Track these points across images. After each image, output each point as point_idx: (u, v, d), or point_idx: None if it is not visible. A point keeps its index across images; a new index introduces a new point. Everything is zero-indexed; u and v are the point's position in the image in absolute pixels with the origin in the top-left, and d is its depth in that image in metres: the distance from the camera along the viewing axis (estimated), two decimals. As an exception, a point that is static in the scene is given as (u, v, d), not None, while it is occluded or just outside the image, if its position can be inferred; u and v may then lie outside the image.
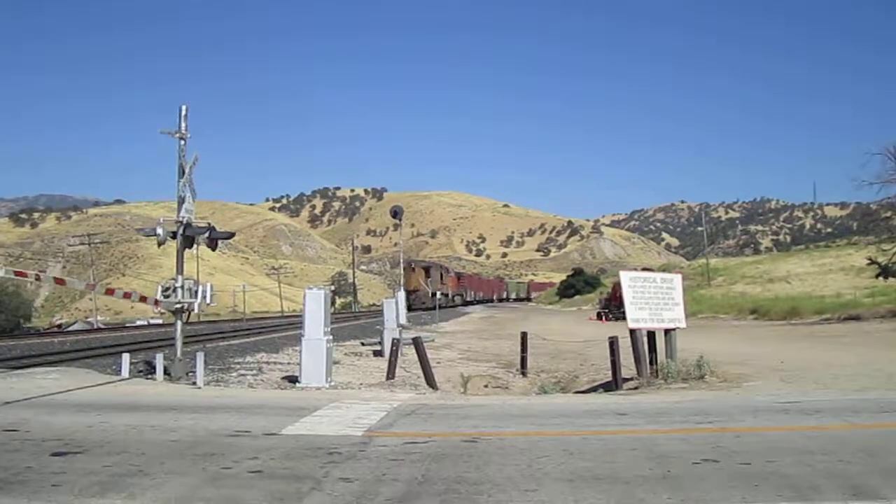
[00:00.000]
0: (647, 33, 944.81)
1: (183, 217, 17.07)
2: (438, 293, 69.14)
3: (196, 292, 17.23)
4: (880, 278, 44.13)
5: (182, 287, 17.10)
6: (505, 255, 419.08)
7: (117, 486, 6.79)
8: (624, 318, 17.65)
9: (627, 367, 17.28)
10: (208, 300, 17.80)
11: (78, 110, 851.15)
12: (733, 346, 26.80)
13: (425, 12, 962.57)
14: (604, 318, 59.09)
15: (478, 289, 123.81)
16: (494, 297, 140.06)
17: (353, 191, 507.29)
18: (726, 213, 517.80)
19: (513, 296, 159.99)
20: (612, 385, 17.06)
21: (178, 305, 17.10)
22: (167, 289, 17.13)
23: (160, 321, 69.92)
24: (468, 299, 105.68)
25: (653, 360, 17.31)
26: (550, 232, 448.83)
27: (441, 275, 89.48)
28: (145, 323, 68.94)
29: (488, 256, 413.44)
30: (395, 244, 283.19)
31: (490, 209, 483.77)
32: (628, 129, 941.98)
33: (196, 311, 18.19)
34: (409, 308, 53.04)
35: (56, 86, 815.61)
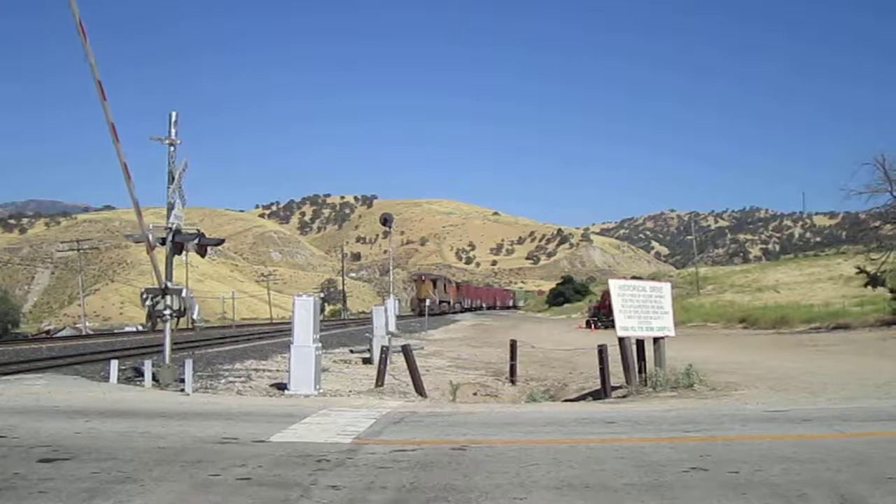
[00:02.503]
0: (638, 40, 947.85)
1: (172, 223, 17.07)
2: (440, 301, 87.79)
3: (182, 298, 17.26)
4: (869, 287, 44.32)
5: (171, 302, 17.11)
6: (495, 262, 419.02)
7: (105, 493, 6.77)
8: (613, 327, 17.66)
9: (616, 376, 17.28)
10: (195, 315, 17.82)
11: (67, 115, 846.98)
12: (722, 354, 26.87)
13: (416, 19, 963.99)
14: (593, 326, 59.21)
15: (475, 297, 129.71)
16: (498, 305, 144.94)
17: (342, 198, 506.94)
18: (716, 221, 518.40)
19: (520, 304, 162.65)
20: (601, 393, 17.06)
21: (167, 313, 17.10)
22: (153, 296, 17.13)
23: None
24: (466, 307, 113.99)
25: (642, 369, 17.33)
26: (540, 240, 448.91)
27: (444, 285, 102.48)
28: (134, 329, 68.69)
29: (478, 264, 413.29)
30: (385, 252, 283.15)
31: (480, 217, 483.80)
32: (618, 137, 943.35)
33: (193, 316, 18.14)
34: (420, 313, 63.59)
35: (45, 91, 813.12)
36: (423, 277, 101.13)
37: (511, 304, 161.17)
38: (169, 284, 17.13)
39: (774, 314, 52.22)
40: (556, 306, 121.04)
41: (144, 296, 17.28)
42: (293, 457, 8.43)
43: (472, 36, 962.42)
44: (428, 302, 71.91)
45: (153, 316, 17.37)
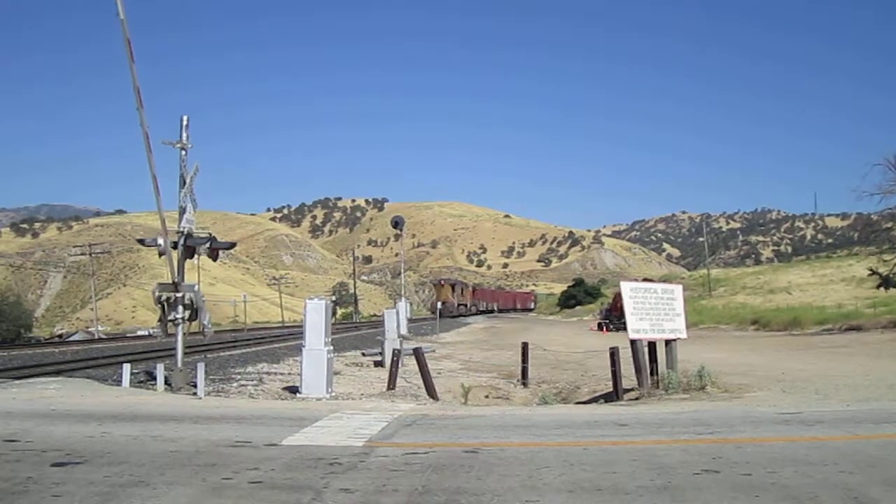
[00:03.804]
0: (649, 42, 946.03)
1: (184, 227, 17.11)
2: (458, 304, 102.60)
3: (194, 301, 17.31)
4: (881, 289, 44.17)
5: (182, 297, 17.15)
6: (506, 265, 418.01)
7: (118, 497, 6.79)
8: (625, 329, 17.65)
9: (628, 378, 17.28)
10: (205, 321, 17.86)
11: (79, 120, 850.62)
12: (734, 356, 26.80)
13: (426, 21, 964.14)
14: (604, 328, 59.15)
15: (491, 300, 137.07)
16: (518, 308, 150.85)
17: (354, 201, 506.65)
18: (727, 223, 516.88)
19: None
20: (613, 396, 17.07)
21: (178, 317, 17.16)
22: (167, 299, 17.18)
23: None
24: (482, 309, 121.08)
25: (654, 371, 17.31)
26: (551, 242, 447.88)
27: (462, 290, 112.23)
28: (146, 333, 68.87)
29: (489, 267, 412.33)
30: (396, 255, 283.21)
31: (491, 219, 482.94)
32: (629, 139, 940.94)
33: (203, 321, 18.15)
34: (441, 315, 66.50)
35: (57, 95, 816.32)
36: (443, 282, 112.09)
37: (533, 306, 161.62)
38: (178, 279, 17.18)
39: (787, 316, 52.09)
40: (568, 309, 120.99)
41: (157, 292, 17.34)
42: (305, 460, 8.44)
43: (482, 39, 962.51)
44: (440, 305, 75.14)
45: (164, 318, 17.40)
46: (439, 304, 75.28)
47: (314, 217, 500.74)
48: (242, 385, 18.21)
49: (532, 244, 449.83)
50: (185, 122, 17.42)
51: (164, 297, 17.16)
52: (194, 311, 17.47)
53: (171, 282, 17.15)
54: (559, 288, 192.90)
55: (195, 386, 16.11)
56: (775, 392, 16.11)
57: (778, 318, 52.00)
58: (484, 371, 26.69)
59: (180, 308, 17.15)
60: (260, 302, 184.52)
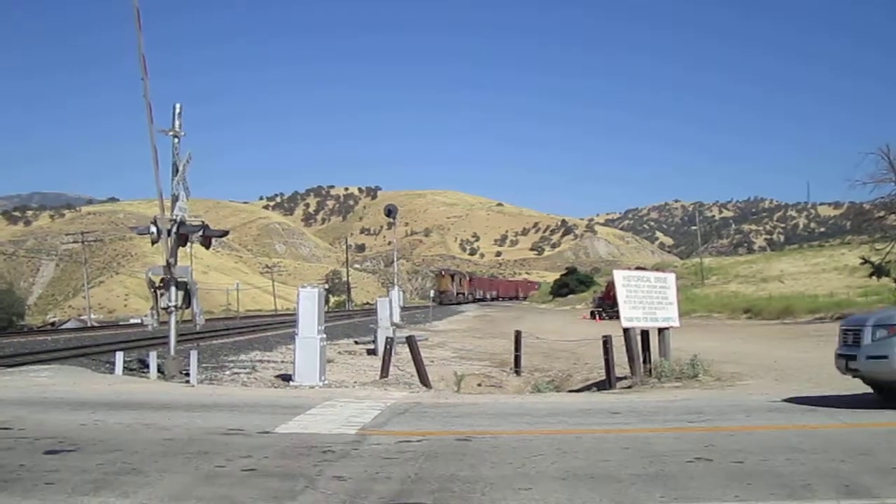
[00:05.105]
0: (641, 30, 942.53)
1: (177, 215, 17.10)
2: (457, 292, 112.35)
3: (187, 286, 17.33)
4: (873, 278, 44.23)
5: (175, 284, 17.15)
6: (499, 253, 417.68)
7: (111, 485, 6.79)
8: (618, 317, 17.68)
9: (621, 366, 17.30)
10: (196, 308, 17.84)
11: (72, 108, 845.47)
12: (727, 345, 26.82)
13: (420, 11, 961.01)
14: (597, 317, 59.13)
15: (490, 288, 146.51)
16: (520, 297, 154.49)
17: (347, 189, 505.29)
18: (720, 212, 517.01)
19: None
20: (605, 384, 17.10)
21: (171, 304, 17.16)
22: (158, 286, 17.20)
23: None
24: (478, 297, 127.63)
25: (646, 359, 17.33)
26: (544, 231, 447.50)
27: (460, 279, 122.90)
28: (139, 321, 68.82)
29: (482, 255, 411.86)
30: (389, 243, 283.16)
31: (484, 208, 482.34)
32: (622, 127, 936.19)
33: (195, 309, 18.13)
34: (441, 303, 74.93)
35: (50, 84, 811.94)
36: (444, 273, 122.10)
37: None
38: (171, 261, 17.17)
39: (779, 305, 52.12)
40: (561, 297, 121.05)
41: (150, 275, 17.34)
42: (298, 448, 8.45)
43: (474, 29, 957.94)
44: (432, 293, 79.13)
45: (157, 306, 17.39)
46: (431, 293, 78.26)
47: (307, 205, 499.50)
48: (235, 373, 18.22)
49: (525, 232, 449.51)
50: (177, 110, 17.42)
51: (157, 280, 17.20)
52: (187, 295, 17.47)
53: (164, 264, 17.15)
54: (552, 276, 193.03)
55: (188, 374, 16.12)
56: (767, 380, 16.15)
57: (770, 307, 52.04)
58: (477, 359, 26.71)
59: (173, 290, 17.14)
60: (253, 290, 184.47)
